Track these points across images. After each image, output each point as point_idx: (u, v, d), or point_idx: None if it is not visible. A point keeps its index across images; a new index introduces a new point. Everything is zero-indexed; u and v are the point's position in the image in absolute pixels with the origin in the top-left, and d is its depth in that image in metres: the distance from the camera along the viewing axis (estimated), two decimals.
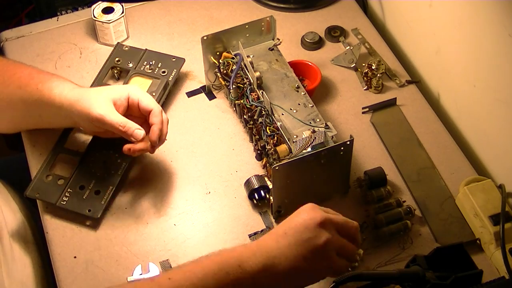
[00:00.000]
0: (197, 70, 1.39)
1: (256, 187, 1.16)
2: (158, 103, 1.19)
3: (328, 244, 0.93)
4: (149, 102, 1.14)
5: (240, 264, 0.90)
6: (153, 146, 1.14)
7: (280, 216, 1.16)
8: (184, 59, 1.36)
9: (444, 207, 1.18)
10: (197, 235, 1.15)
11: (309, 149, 1.10)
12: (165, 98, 1.32)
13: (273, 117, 1.15)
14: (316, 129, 1.12)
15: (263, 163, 1.21)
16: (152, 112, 1.13)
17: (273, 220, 1.16)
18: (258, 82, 1.17)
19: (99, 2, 1.42)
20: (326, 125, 1.13)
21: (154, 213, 1.18)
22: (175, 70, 1.34)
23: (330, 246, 0.94)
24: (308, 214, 0.96)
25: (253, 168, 1.24)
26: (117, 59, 1.36)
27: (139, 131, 1.11)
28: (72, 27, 1.50)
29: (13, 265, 1.11)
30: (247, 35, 1.26)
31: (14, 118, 1.22)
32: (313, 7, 1.53)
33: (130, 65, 1.35)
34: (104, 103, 1.10)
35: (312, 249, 0.93)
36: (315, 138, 1.10)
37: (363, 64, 1.39)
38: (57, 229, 1.16)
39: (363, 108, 1.33)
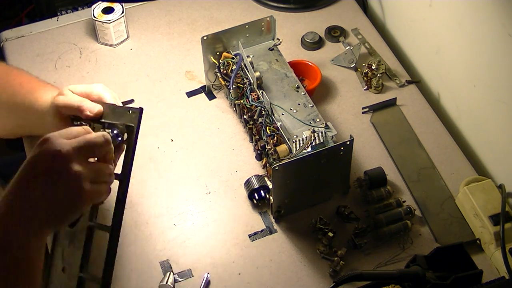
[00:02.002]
0: (197, 70, 1.39)
1: (256, 187, 1.16)
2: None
3: (76, 180, 0.85)
4: (109, 100, 1.08)
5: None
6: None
7: (280, 216, 1.16)
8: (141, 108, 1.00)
9: (444, 207, 1.18)
10: (197, 235, 1.15)
11: (309, 149, 1.10)
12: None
13: (273, 117, 1.15)
14: (316, 129, 1.12)
15: (263, 163, 1.21)
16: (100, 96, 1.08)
17: (273, 220, 1.16)
18: (258, 82, 1.17)
19: (99, 2, 1.42)
20: (326, 125, 1.13)
21: (154, 213, 1.18)
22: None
23: (79, 181, 0.86)
24: (46, 151, 0.86)
25: (253, 168, 1.24)
26: None
27: (96, 105, 1.04)
28: (72, 27, 1.50)
29: None
30: (247, 35, 1.26)
31: (5, 126, 1.21)
32: (313, 7, 1.53)
33: None
34: (63, 91, 1.08)
35: (63, 190, 0.85)
36: (315, 138, 1.10)
37: (363, 64, 1.39)
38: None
39: (363, 108, 1.33)
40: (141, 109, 0.98)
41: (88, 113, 1.04)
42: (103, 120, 1.03)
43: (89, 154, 0.90)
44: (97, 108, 1.05)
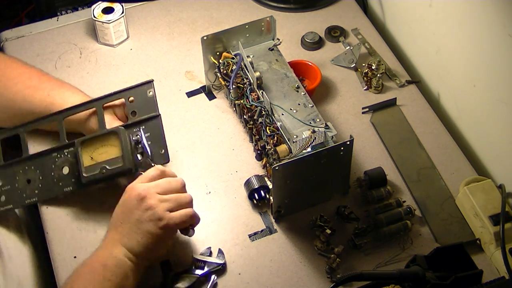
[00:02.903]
0: (197, 70, 1.39)
1: (256, 187, 1.16)
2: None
3: (155, 212, 1.03)
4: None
5: (104, 265, 1.01)
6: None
7: (280, 216, 1.16)
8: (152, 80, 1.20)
9: (444, 207, 1.18)
10: (197, 235, 1.15)
11: (309, 149, 1.10)
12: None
13: (273, 117, 1.15)
14: (316, 129, 1.12)
15: (263, 163, 1.21)
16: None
17: (273, 220, 1.16)
18: (258, 82, 1.17)
19: (99, 2, 1.42)
20: (326, 125, 1.13)
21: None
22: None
23: (155, 210, 1.03)
24: (127, 194, 1.06)
25: (253, 168, 1.24)
26: None
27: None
28: (72, 27, 1.50)
29: (9, 264, 1.11)
30: (247, 35, 1.26)
31: (15, 116, 1.22)
32: (313, 7, 1.53)
33: None
34: (107, 118, 1.18)
35: (146, 222, 1.03)
36: (315, 138, 1.10)
37: (363, 64, 1.39)
38: (57, 229, 1.16)
39: (363, 108, 1.33)
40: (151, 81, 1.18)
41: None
42: (129, 122, 1.16)
43: (164, 193, 1.06)
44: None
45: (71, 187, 1.15)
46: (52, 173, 1.15)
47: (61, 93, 1.20)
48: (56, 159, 1.16)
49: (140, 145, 1.14)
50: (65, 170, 1.15)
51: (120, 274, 1.01)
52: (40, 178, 1.15)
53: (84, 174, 1.12)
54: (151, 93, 1.18)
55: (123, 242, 1.03)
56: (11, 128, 1.19)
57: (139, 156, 1.14)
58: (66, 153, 1.16)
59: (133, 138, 1.15)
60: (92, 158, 1.13)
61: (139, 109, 1.17)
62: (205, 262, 1.09)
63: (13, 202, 1.14)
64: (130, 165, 1.11)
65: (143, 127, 1.16)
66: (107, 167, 1.12)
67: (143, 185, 1.06)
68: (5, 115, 1.23)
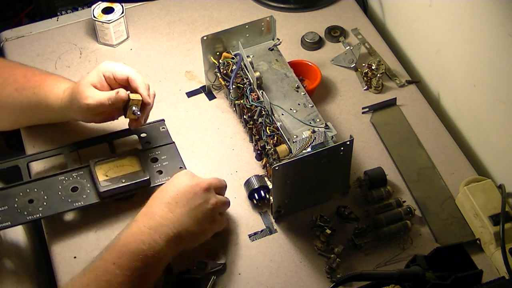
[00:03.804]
0: (197, 70, 1.39)
1: (256, 187, 1.16)
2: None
3: (215, 207, 1.07)
4: (122, 70, 1.17)
5: (151, 245, 0.99)
6: (147, 107, 1.17)
7: (280, 216, 1.16)
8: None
9: (444, 207, 1.18)
10: None
11: (309, 149, 1.10)
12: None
13: (273, 117, 1.15)
14: (316, 129, 1.12)
15: (263, 163, 1.21)
16: (130, 79, 1.16)
17: (273, 220, 1.16)
18: (258, 82, 1.17)
19: (99, 2, 1.42)
20: (326, 125, 1.13)
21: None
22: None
23: (216, 208, 1.07)
24: (191, 180, 1.06)
25: (253, 168, 1.24)
26: None
27: (122, 90, 1.14)
28: (72, 27, 1.50)
29: (7, 263, 1.11)
30: (247, 35, 1.26)
31: (11, 118, 1.24)
32: (313, 7, 1.53)
33: None
34: (87, 92, 1.14)
35: (204, 213, 1.05)
36: (315, 138, 1.10)
37: (363, 64, 1.39)
38: (57, 229, 1.16)
39: (363, 108, 1.33)
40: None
41: (122, 101, 1.15)
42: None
43: (217, 190, 1.10)
44: (124, 93, 1.14)
45: (82, 202, 1.13)
46: (59, 193, 1.14)
47: (44, 89, 1.19)
48: (64, 181, 1.15)
49: (157, 164, 1.18)
50: (74, 189, 1.14)
51: (157, 266, 1.00)
52: (45, 197, 1.13)
53: (102, 186, 1.12)
54: (164, 129, 1.26)
55: (172, 224, 1.01)
56: (10, 160, 1.20)
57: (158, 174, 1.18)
58: (74, 176, 1.16)
59: (150, 155, 1.20)
60: (107, 175, 1.15)
61: (153, 140, 1.23)
62: (206, 262, 1.09)
63: (11, 220, 1.10)
64: (149, 176, 1.15)
65: (159, 151, 1.21)
66: (125, 179, 1.14)
67: (213, 180, 1.08)
68: (5, 123, 1.25)
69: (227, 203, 1.11)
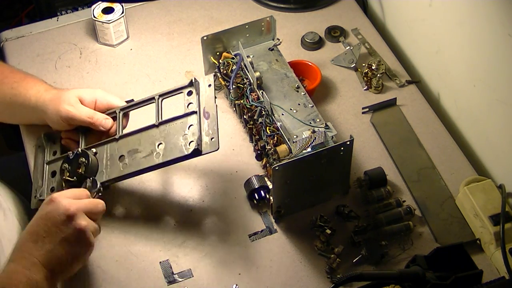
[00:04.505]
0: (197, 70, 1.39)
1: (256, 187, 1.16)
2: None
3: (85, 230, 1.00)
4: (118, 104, 1.20)
5: (29, 283, 0.95)
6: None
7: (280, 216, 1.16)
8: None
9: (444, 207, 1.18)
10: (197, 235, 1.15)
11: (309, 149, 1.10)
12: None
13: (273, 117, 1.15)
14: (316, 129, 1.12)
15: (263, 163, 1.21)
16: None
17: (273, 220, 1.16)
18: (258, 82, 1.17)
19: (99, 2, 1.42)
20: (326, 125, 1.13)
21: (154, 213, 1.18)
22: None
23: (87, 231, 1.00)
24: (53, 206, 1.00)
25: (253, 168, 1.24)
26: None
27: (108, 121, 1.17)
28: (72, 27, 1.50)
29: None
30: (247, 35, 1.26)
31: None
32: (313, 7, 1.53)
33: None
34: (71, 100, 1.16)
35: (74, 241, 0.99)
36: (315, 138, 1.10)
37: (363, 64, 1.39)
38: None
39: (363, 108, 1.33)
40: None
41: (101, 128, 1.17)
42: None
43: (89, 215, 1.02)
44: (109, 123, 1.17)
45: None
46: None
47: (24, 84, 1.20)
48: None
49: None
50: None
51: None
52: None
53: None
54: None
55: (44, 261, 0.97)
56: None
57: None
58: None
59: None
60: None
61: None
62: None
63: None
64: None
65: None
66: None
67: (73, 202, 1.01)
68: None
69: (97, 230, 1.03)
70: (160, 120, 1.15)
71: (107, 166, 1.14)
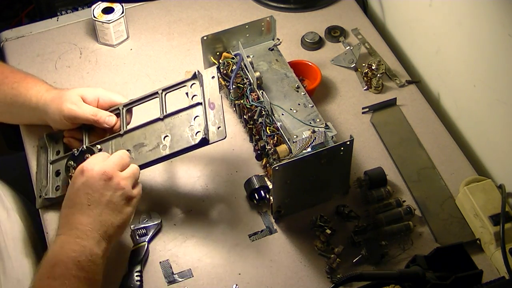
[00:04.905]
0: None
1: (256, 187, 1.16)
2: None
3: (126, 187, 1.03)
4: (121, 101, 1.20)
5: (78, 263, 0.97)
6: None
7: (280, 216, 1.16)
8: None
9: (444, 207, 1.18)
10: (197, 235, 1.15)
11: (309, 149, 1.10)
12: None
13: (273, 117, 1.15)
14: (316, 129, 1.12)
15: (263, 163, 1.21)
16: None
17: (273, 220, 1.16)
18: (258, 82, 1.17)
19: (99, 2, 1.42)
20: (326, 125, 1.13)
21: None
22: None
23: (128, 188, 1.04)
24: (87, 175, 1.02)
25: (253, 168, 1.24)
26: None
27: (111, 118, 1.17)
28: (72, 27, 1.50)
29: (8, 263, 1.11)
30: (247, 35, 1.26)
31: None
32: (313, 7, 1.53)
33: None
34: (73, 99, 1.16)
35: (120, 201, 1.02)
36: (315, 138, 1.10)
37: (363, 64, 1.39)
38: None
39: (363, 108, 1.33)
40: None
41: (105, 125, 1.16)
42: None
43: (122, 168, 1.05)
44: (113, 120, 1.17)
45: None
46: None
47: (25, 85, 1.20)
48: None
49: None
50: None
51: (95, 269, 0.98)
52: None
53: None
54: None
55: (95, 227, 0.99)
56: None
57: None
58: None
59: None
60: None
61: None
62: (145, 227, 1.12)
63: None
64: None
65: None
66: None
67: (104, 164, 1.03)
68: None
69: (135, 173, 1.07)
70: (164, 113, 1.15)
71: None
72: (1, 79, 1.21)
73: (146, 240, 1.12)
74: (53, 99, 1.18)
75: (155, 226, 1.14)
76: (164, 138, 1.12)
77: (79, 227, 0.99)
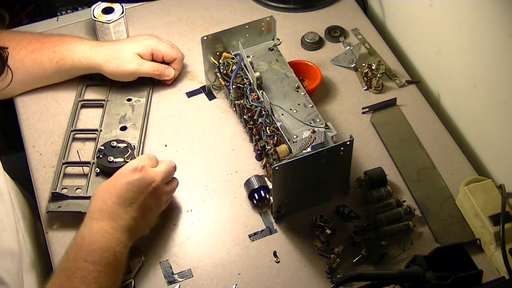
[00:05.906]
0: (197, 70, 1.39)
1: (256, 187, 1.16)
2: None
3: (161, 200, 1.11)
4: (172, 54, 1.33)
5: (117, 242, 1.03)
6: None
7: (280, 216, 1.16)
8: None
9: (444, 207, 1.18)
10: (197, 235, 1.15)
11: (309, 149, 1.10)
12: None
13: (273, 117, 1.15)
14: (316, 129, 1.12)
15: (263, 163, 1.21)
16: (176, 60, 1.34)
17: (273, 220, 1.16)
18: (258, 82, 1.17)
19: (99, 2, 1.42)
20: (326, 125, 1.13)
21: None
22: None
23: (163, 199, 1.11)
24: (141, 175, 1.07)
25: (253, 168, 1.24)
26: None
27: (170, 70, 1.33)
28: (72, 27, 1.50)
29: (9, 263, 1.11)
30: (247, 35, 1.26)
31: (26, 80, 1.29)
32: (313, 7, 1.53)
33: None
34: (132, 58, 1.28)
35: (153, 205, 1.09)
36: (315, 138, 1.10)
37: (363, 64, 1.39)
38: (57, 229, 1.16)
39: (363, 108, 1.33)
40: None
41: (166, 78, 1.34)
42: None
43: (166, 179, 1.11)
44: (172, 72, 1.34)
45: None
46: None
47: (66, 45, 1.27)
48: None
49: None
50: None
51: (124, 261, 1.04)
52: None
53: None
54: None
55: (128, 225, 1.04)
56: None
57: None
58: None
59: None
60: None
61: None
62: (129, 265, 1.11)
63: None
64: None
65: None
66: None
67: (157, 173, 1.09)
68: (19, 84, 1.28)
69: (174, 189, 1.14)
70: None
71: None
72: (39, 45, 1.26)
73: (132, 276, 1.10)
74: (107, 60, 1.27)
75: (137, 262, 1.12)
76: None
77: (118, 221, 1.04)
